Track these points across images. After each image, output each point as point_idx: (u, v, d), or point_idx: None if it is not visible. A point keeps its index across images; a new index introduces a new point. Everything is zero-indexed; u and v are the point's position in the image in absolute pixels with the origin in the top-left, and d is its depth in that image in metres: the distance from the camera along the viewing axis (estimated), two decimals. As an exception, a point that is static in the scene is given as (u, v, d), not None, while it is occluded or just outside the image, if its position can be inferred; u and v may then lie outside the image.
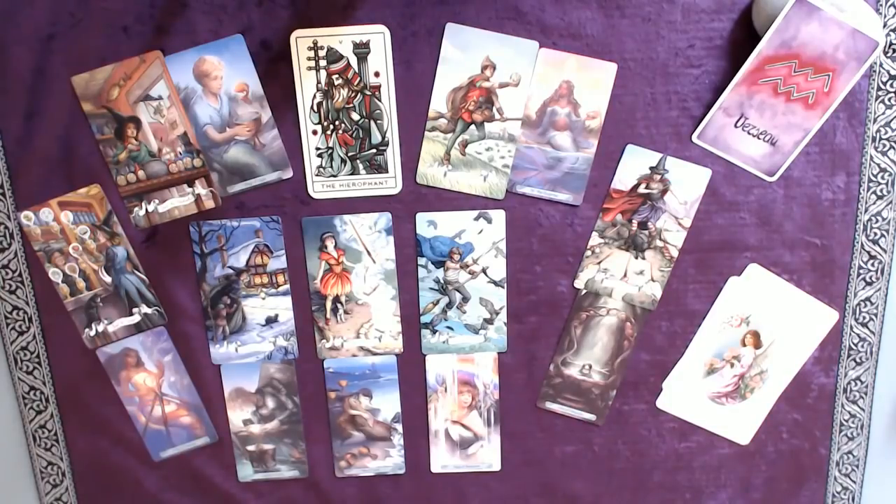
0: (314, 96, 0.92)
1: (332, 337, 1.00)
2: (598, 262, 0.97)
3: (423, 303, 0.99)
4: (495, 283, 0.98)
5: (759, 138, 0.91)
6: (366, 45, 0.90)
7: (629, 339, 0.99)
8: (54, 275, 0.96)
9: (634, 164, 0.93)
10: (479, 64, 0.91)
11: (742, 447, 1.03)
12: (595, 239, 0.96)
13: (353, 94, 0.92)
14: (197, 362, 1.01)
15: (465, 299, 0.98)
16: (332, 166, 0.94)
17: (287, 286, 0.98)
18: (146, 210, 0.94)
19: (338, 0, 0.89)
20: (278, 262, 0.97)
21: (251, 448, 1.04)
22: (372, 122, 0.93)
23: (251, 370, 1.01)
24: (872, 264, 0.97)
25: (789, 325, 0.98)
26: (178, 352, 1.00)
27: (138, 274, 0.97)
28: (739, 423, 1.02)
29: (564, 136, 0.93)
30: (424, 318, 0.99)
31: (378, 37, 0.90)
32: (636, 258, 0.96)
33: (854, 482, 1.05)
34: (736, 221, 0.95)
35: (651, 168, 0.93)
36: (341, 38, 0.90)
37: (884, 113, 0.92)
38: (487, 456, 1.04)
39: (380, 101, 0.92)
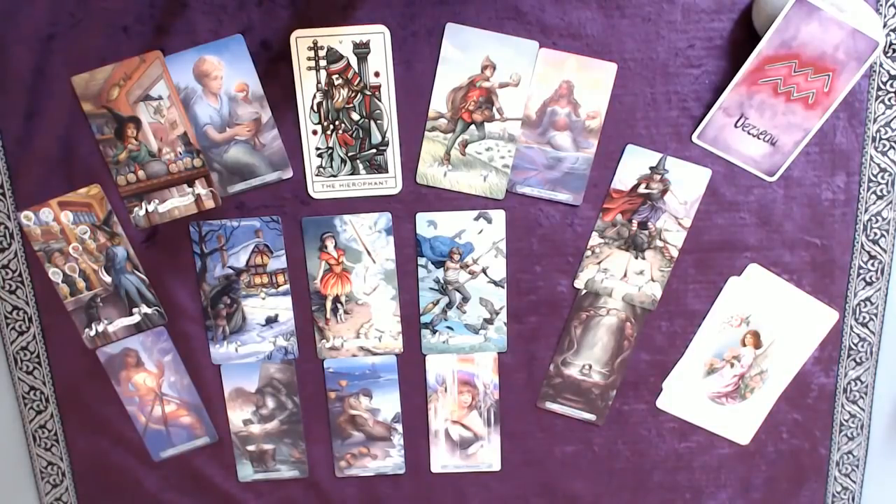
0: (314, 96, 0.92)
1: (332, 337, 1.00)
2: (598, 262, 0.97)
3: (423, 303, 0.99)
4: (495, 283, 0.98)
5: (759, 138, 0.91)
6: (366, 45, 0.90)
7: (629, 339, 0.99)
8: (54, 275, 0.96)
9: (634, 164, 0.93)
10: (479, 64, 0.91)
11: (742, 447, 1.03)
12: (595, 239, 0.96)
13: (353, 94, 0.92)
14: (197, 362, 1.01)
15: (465, 299, 0.98)
16: (332, 166, 0.94)
17: (287, 286, 0.98)
18: (146, 210, 0.94)
19: (338, 0, 0.89)
20: (278, 262, 0.97)
21: (251, 448, 1.04)
22: (372, 122, 0.93)
23: (251, 370, 1.01)
24: (872, 264, 0.97)
25: (789, 325, 0.98)
26: (178, 352, 1.00)
27: (138, 274, 0.97)
28: (739, 423, 1.02)
29: (564, 136, 0.93)
30: (424, 318, 0.99)
31: (378, 37, 0.90)
32: (636, 258, 0.96)
33: (854, 482, 1.05)
34: (736, 221, 0.95)
35: (651, 168, 0.93)
36: (341, 38, 0.90)
37: (884, 113, 0.92)
38: (487, 456, 1.04)
39: (380, 101, 0.92)
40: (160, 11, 0.89)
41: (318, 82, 0.91)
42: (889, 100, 0.91)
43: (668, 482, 1.05)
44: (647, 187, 0.94)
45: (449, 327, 0.99)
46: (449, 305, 0.98)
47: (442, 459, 1.05)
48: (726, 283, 0.97)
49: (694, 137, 0.92)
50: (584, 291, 0.98)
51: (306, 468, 1.05)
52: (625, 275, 0.97)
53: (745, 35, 0.89)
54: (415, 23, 0.90)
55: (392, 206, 0.96)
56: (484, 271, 0.97)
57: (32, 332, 0.99)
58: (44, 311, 0.98)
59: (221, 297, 0.98)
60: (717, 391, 1.01)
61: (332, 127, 0.93)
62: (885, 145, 0.93)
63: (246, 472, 1.05)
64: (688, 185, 0.94)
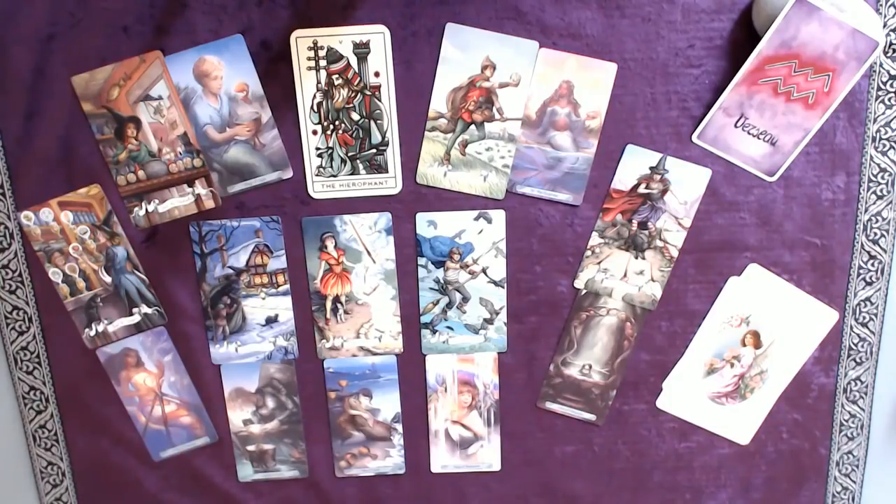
0: (314, 96, 0.92)
1: (332, 337, 1.00)
2: (598, 262, 0.97)
3: (423, 303, 0.99)
4: (495, 283, 0.98)
5: (759, 138, 0.91)
6: (366, 45, 0.90)
7: (629, 339, 0.99)
8: (54, 275, 0.96)
9: (634, 164, 0.93)
10: (479, 64, 0.91)
11: (742, 447, 1.03)
12: (595, 239, 0.96)
13: (353, 94, 0.92)
14: (197, 362, 1.01)
15: (465, 299, 0.98)
16: (332, 166, 0.94)
17: (287, 286, 0.98)
18: (146, 210, 0.94)
19: (338, 0, 0.89)
20: (278, 262, 0.97)
21: (251, 448, 1.04)
22: (372, 122, 0.93)
23: (251, 370, 1.01)
24: (872, 264, 0.97)
25: (789, 325, 0.98)
26: (178, 352, 1.00)
27: (138, 274, 0.97)
28: (739, 423, 1.02)
29: (564, 136, 0.93)
30: (424, 318, 0.99)
31: (378, 37, 0.90)
32: (636, 258, 0.96)
33: (854, 482, 1.05)
34: (736, 221, 0.95)
35: (651, 168, 0.93)
36: (341, 38, 0.90)
37: (884, 113, 0.92)
38: (487, 456, 1.04)
39: (380, 101, 0.92)
40: (160, 11, 0.89)
41: (318, 82, 0.91)
42: (889, 100, 0.91)
43: (668, 482, 1.05)
44: (647, 187, 0.94)
45: (449, 327, 0.99)
46: (449, 305, 0.98)
47: (442, 459, 1.05)
48: (726, 283, 0.97)
49: (694, 137, 0.92)
50: (584, 291, 0.98)
51: (306, 468, 1.05)
52: (625, 275, 0.97)
53: (745, 35, 0.89)
54: (415, 23, 0.90)
55: (392, 206, 0.96)
56: (484, 271, 0.97)
57: (32, 332, 0.99)
58: (44, 311, 0.98)
59: (221, 297, 0.98)
60: (717, 391, 1.01)
61: (332, 127, 0.93)
62: (885, 145, 0.93)
63: (246, 472, 1.05)
64: (688, 185, 0.94)
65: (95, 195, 0.94)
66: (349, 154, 0.94)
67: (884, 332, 0.99)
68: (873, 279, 0.97)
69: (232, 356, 1.00)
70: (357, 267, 0.98)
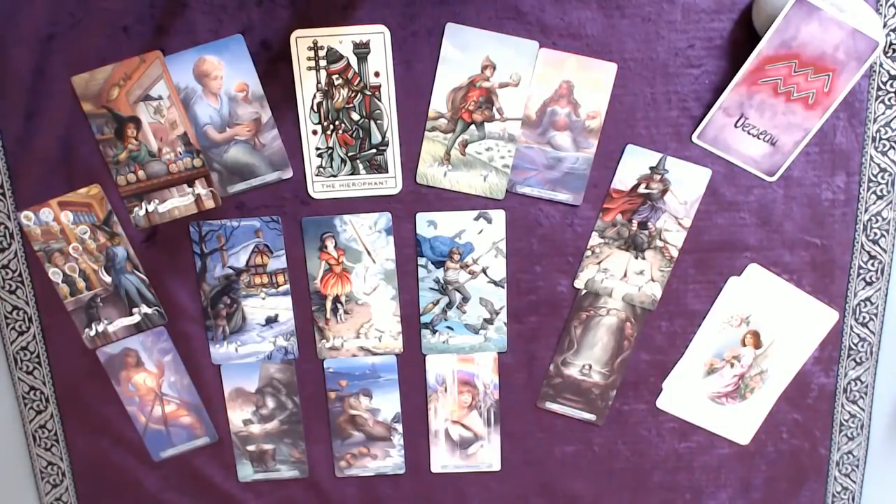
0: (314, 96, 0.92)
1: (332, 337, 1.00)
2: (598, 262, 0.97)
3: (423, 303, 0.99)
4: (495, 283, 0.98)
5: (759, 138, 0.91)
6: (366, 45, 0.90)
7: (629, 339, 0.99)
8: (54, 275, 0.96)
9: (634, 164, 0.93)
10: (479, 64, 0.91)
11: (742, 447, 1.03)
12: (595, 239, 0.96)
13: (353, 94, 0.92)
14: (197, 362, 1.01)
15: (465, 299, 0.98)
16: (332, 166, 0.94)
17: (287, 286, 0.98)
18: (146, 210, 0.94)
19: (338, 0, 0.89)
20: (278, 262, 0.97)
21: (251, 448, 1.04)
22: (372, 122, 0.93)
23: (251, 370, 1.01)
24: (872, 264, 0.97)
25: (789, 325, 0.98)
26: (178, 352, 1.00)
27: (138, 274, 0.97)
28: (739, 423, 1.02)
29: (564, 136, 0.93)
30: (424, 318, 0.99)
31: (378, 37, 0.90)
32: (636, 258, 0.96)
33: (854, 482, 1.05)
34: (736, 221, 0.95)
35: (651, 168, 0.93)
36: (341, 38, 0.90)
37: (884, 113, 0.92)
38: (487, 456, 1.04)
39: (380, 101, 0.92)
40: (160, 11, 0.89)
41: (318, 82, 0.91)
42: (889, 100, 0.91)
43: (668, 482, 1.05)
44: (647, 187, 0.94)
45: (449, 327, 0.99)
46: (449, 305, 0.98)
47: (442, 459, 1.05)
48: (726, 283, 0.97)
49: (694, 137, 0.92)
50: (584, 291, 0.98)
51: (306, 468, 1.05)
52: (625, 275, 0.97)
53: (745, 35, 0.89)
54: (415, 23, 0.90)
55: (392, 206, 0.96)
56: (484, 271, 0.97)
57: (32, 332, 0.99)
58: (44, 311, 0.98)
59: (221, 297, 0.98)
60: (717, 391, 1.01)
61: (332, 127, 0.93)
62: (885, 145, 0.93)
63: (246, 472, 1.05)
64: (688, 185, 0.94)
65: (95, 195, 0.94)
66: (349, 154, 0.94)
67: (884, 332, 0.99)
68: (873, 279, 0.97)
69: (232, 356, 1.00)
70: (357, 267, 0.98)
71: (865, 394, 1.02)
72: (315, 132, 0.93)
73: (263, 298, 0.98)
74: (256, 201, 0.95)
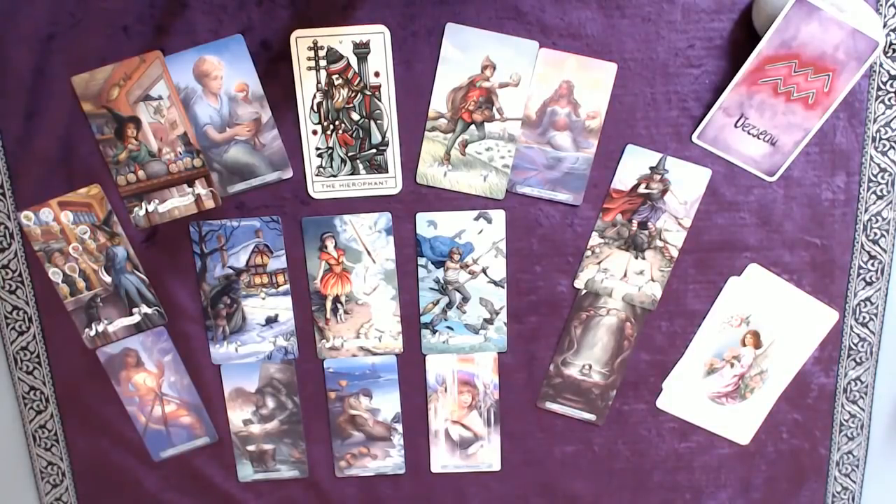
0: (314, 96, 0.92)
1: (332, 337, 1.00)
2: (598, 262, 0.97)
3: (423, 303, 0.99)
4: (495, 283, 0.98)
5: (759, 138, 0.91)
6: (366, 45, 0.90)
7: (629, 339, 0.99)
8: (54, 275, 0.96)
9: (634, 164, 0.93)
10: (479, 64, 0.91)
11: (742, 447, 1.03)
12: (595, 239, 0.96)
13: (353, 94, 0.92)
14: (197, 362, 1.01)
15: (465, 299, 0.98)
16: (332, 166, 0.94)
17: (287, 286, 0.98)
18: (146, 210, 0.94)
19: (338, 0, 0.89)
20: (278, 262, 0.97)
21: (251, 448, 1.04)
22: (372, 122, 0.93)
23: (251, 370, 1.01)
24: (872, 264, 0.97)
25: (789, 325, 0.98)
26: (178, 352, 1.00)
27: (138, 274, 0.97)
28: (739, 423, 1.02)
29: (564, 136, 0.93)
30: (424, 318, 0.99)
31: (378, 37, 0.90)
32: (636, 258, 0.96)
33: (854, 482, 1.05)
34: (736, 221, 0.95)
35: (651, 168, 0.93)
36: (341, 38, 0.90)
37: (884, 113, 0.92)
38: (487, 456, 1.04)
39: (380, 101, 0.92)
40: (160, 11, 0.89)
41: (318, 82, 0.91)
42: (889, 100, 0.91)
43: (668, 482, 1.05)
44: (647, 187, 0.94)
45: (449, 327, 0.99)
46: (449, 305, 0.98)
47: (442, 459, 1.05)
48: (726, 283, 0.97)
49: (694, 137, 0.92)
50: (584, 291, 0.98)
51: (306, 468, 1.05)
52: (625, 275, 0.97)
53: (745, 35, 0.89)
54: (415, 23, 0.90)
55: (392, 206, 0.96)
56: (484, 271, 0.97)
57: (32, 332, 0.99)
58: (44, 311, 0.98)
59: (221, 297, 0.98)
60: (717, 391, 1.01)
61: (332, 127, 0.93)
62: (885, 145, 0.93)
63: (246, 472, 1.05)
64: (688, 185, 0.94)
65: (95, 195, 0.94)
66: (349, 154, 0.94)
67: (884, 332, 0.99)
68: (873, 279, 0.97)
69: (232, 356, 1.00)
70: (357, 267, 0.98)
71: (865, 394, 1.02)
72: (315, 132, 0.93)
73: (263, 298, 0.98)
74: (256, 201, 0.95)
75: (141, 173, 0.93)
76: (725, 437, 1.03)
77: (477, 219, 0.96)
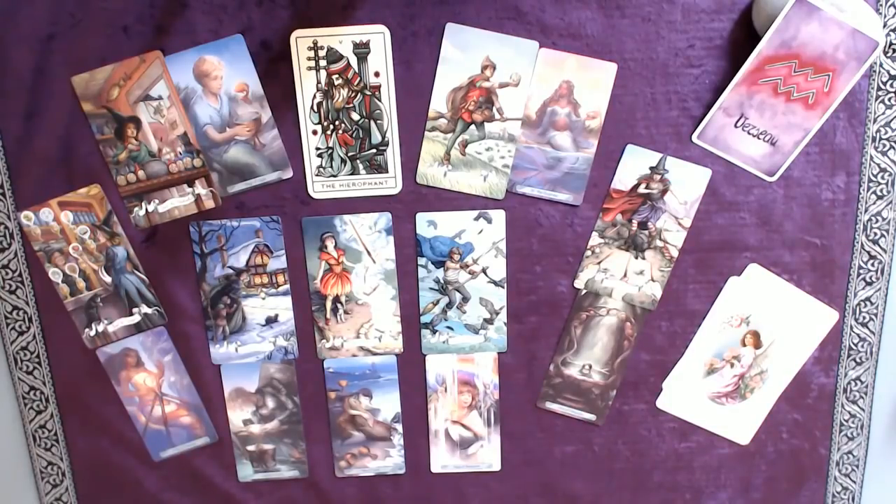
0: (314, 96, 0.92)
1: (332, 337, 1.00)
2: (598, 262, 0.97)
3: (423, 303, 0.99)
4: (495, 283, 0.98)
5: (759, 138, 0.91)
6: (366, 45, 0.90)
7: (629, 339, 0.99)
8: (54, 275, 0.96)
9: (634, 164, 0.93)
10: (479, 64, 0.91)
11: (742, 447, 1.03)
12: (595, 239, 0.96)
13: (353, 94, 0.92)
14: (197, 362, 1.01)
15: (465, 299, 0.98)
16: (332, 166, 0.94)
17: (287, 286, 0.98)
18: (146, 210, 0.94)
19: (338, 0, 0.89)
20: (278, 262, 0.97)
21: (251, 448, 1.04)
22: (372, 122, 0.93)
23: (251, 370, 1.01)
24: (872, 264, 0.97)
25: (789, 325, 0.98)
26: (178, 352, 1.00)
27: (138, 274, 0.97)
28: (739, 423, 1.02)
29: (564, 136, 0.93)
30: (424, 318, 0.99)
31: (378, 37, 0.90)
32: (636, 258, 0.96)
33: (854, 482, 1.05)
34: (736, 221, 0.95)
35: (651, 168, 0.93)
36: (341, 38, 0.90)
37: (884, 113, 0.92)
38: (487, 456, 1.04)
39: (380, 101, 0.92)
40: (160, 11, 0.89)
41: (318, 82, 0.91)
42: (889, 100, 0.91)
43: (668, 482, 1.05)
44: (647, 187, 0.94)
45: (449, 327, 0.99)
46: (449, 305, 0.98)
47: (442, 459, 1.05)
48: (726, 283, 0.97)
49: (694, 137, 0.92)
50: (584, 291, 0.98)
51: (306, 468, 1.05)
52: (625, 275, 0.97)
53: (745, 35, 0.89)
54: (415, 23, 0.90)
55: (392, 206, 0.96)
56: (484, 271, 0.97)
57: (32, 332, 0.99)
58: (44, 311, 0.98)
59: (221, 297, 0.98)
60: (717, 391, 1.01)
61: (332, 127, 0.93)
62: (885, 145, 0.93)
63: (246, 472, 1.05)
64: (688, 185, 0.94)
65: (95, 195, 0.94)
66: (349, 154, 0.94)
67: (884, 332, 0.99)
68: (873, 279, 0.97)
69: (232, 356, 1.00)
70: (357, 267, 0.98)
71: (865, 394, 1.02)
72: (315, 132, 0.93)
73: (263, 298, 0.98)
74: (256, 201, 0.95)
75: (141, 173, 0.93)
76: (725, 437, 1.03)
77: (477, 219, 0.96)
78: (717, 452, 1.04)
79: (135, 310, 0.98)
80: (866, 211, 0.95)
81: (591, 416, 1.02)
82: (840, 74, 0.86)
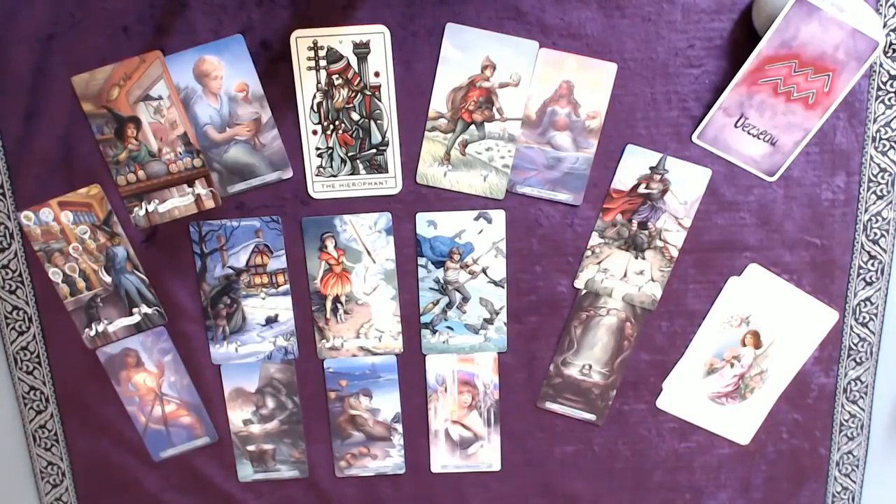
0: (314, 96, 0.92)
1: (332, 337, 1.00)
2: (598, 262, 0.97)
3: (423, 303, 0.99)
4: (495, 283, 0.98)
5: (759, 138, 0.91)
6: (366, 45, 0.90)
7: (629, 339, 0.99)
8: (54, 275, 0.96)
9: (634, 164, 0.93)
10: (479, 64, 0.91)
11: (742, 447, 1.03)
12: (595, 239, 0.96)
13: (353, 94, 0.92)
14: (197, 362, 1.01)
15: (465, 299, 0.98)
16: (332, 166, 0.94)
17: (287, 286, 0.98)
18: (146, 210, 0.94)
19: (338, 0, 0.89)
20: (278, 262, 0.97)
21: (251, 448, 1.04)
22: (372, 122, 0.93)
23: (251, 370, 1.01)
24: (872, 264, 0.97)
25: (789, 325, 0.98)
26: (178, 352, 1.00)
27: (138, 274, 0.97)
28: (739, 423, 1.02)
29: (564, 136, 0.93)
30: (424, 318, 0.99)
31: (378, 37, 0.90)
32: (636, 258, 0.96)
33: (854, 482, 1.05)
34: (736, 221, 0.95)
35: (651, 168, 0.93)
36: (341, 38, 0.90)
37: (884, 113, 0.92)
38: (487, 456, 1.04)
39: (380, 101, 0.92)
40: (160, 11, 0.89)
41: (318, 82, 0.91)
42: (889, 100, 0.91)
43: (668, 482, 1.05)
44: (647, 187, 0.94)
45: (449, 327, 0.99)
46: (449, 305, 0.98)
47: (442, 459, 1.05)
48: (726, 283, 0.97)
49: (694, 137, 0.92)
50: (584, 291, 0.98)
51: (306, 468, 1.05)
52: (625, 275, 0.97)
53: (745, 35, 0.89)
54: (415, 23, 0.90)
55: (392, 206, 0.96)
56: (484, 271, 0.97)
57: (32, 332, 0.99)
58: (44, 311, 0.98)
59: (221, 297, 0.98)
60: (717, 391, 1.01)
61: (332, 127, 0.93)
62: (885, 145, 0.93)
63: (246, 472, 1.05)
64: (688, 185, 0.94)
65: (95, 195, 0.94)
66: (349, 154, 0.94)
67: (884, 332, 0.99)
68: (873, 279, 0.97)
69: (232, 356, 1.00)
70: (357, 267, 0.98)
71: (865, 394, 1.02)
72: (315, 132, 0.93)
73: (263, 298, 0.98)
74: (256, 201, 0.95)
75: (141, 173, 0.93)
76: (725, 437, 1.03)
77: (477, 219, 0.96)
78: (717, 452, 1.04)
79: (135, 310, 0.98)
80: (866, 211, 0.95)
81: (591, 416, 1.02)
82: (840, 74, 0.86)
